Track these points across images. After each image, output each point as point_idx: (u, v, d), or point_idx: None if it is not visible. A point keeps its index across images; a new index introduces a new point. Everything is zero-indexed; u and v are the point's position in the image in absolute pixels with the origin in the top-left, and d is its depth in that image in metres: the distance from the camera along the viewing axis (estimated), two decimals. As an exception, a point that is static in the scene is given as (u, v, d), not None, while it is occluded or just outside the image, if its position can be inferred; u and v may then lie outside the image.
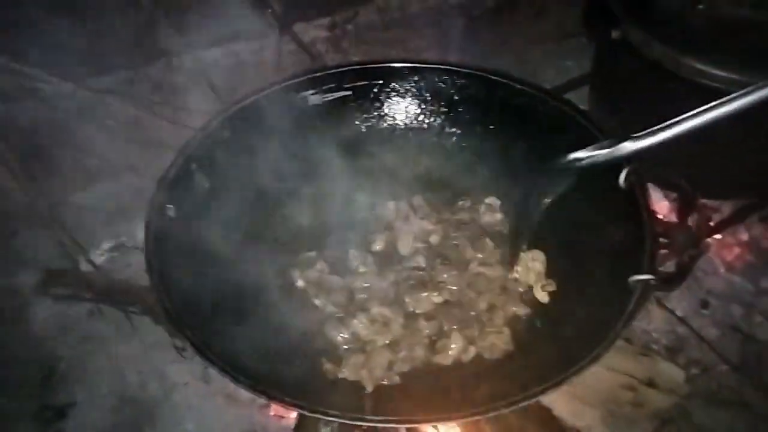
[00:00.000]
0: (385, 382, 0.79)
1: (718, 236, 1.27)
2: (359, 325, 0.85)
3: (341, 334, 0.84)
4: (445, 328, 0.85)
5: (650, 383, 1.00)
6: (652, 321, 1.17)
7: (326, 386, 0.77)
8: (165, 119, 1.27)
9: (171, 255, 0.78)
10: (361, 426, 0.82)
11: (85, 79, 1.19)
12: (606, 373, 1.01)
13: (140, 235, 1.24)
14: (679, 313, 1.18)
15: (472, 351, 0.81)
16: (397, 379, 0.80)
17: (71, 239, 1.23)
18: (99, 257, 1.24)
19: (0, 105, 1.14)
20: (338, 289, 0.88)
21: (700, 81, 0.89)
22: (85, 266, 1.23)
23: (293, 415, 0.97)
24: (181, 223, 0.83)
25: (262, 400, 1.02)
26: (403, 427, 0.78)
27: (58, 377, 1.09)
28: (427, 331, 0.85)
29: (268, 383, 0.66)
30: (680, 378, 1.02)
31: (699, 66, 0.88)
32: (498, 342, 0.80)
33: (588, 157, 0.84)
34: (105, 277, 1.20)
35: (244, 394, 1.02)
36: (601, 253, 0.85)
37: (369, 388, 0.77)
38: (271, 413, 1.01)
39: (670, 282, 0.74)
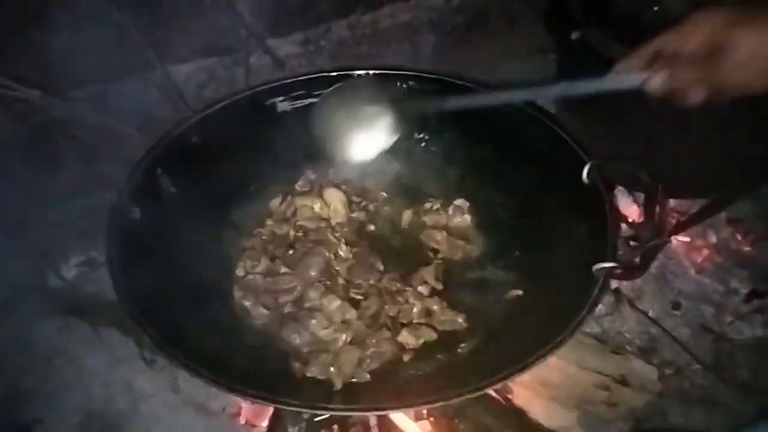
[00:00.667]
0: (354, 380, 0.79)
1: (686, 239, 1.29)
2: (316, 325, 0.85)
3: (299, 336, 0.84)
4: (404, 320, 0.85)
5: (623, 382, 1.00)
6: (624, 322, 1.17)
7: (294, 384, 0.76)
8: (137, 133, 1.27)
9: (134, 256, 0.78)
10: (327, 421, 0.82)
11: (57, 92, 1.19)
12: (579, 372, 1.01)
13: (110, 249, 1.26)
14: (651, 314, 1.19)
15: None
16: (367, 376, 0.79)
17: (40, 255, 1.21)
18: (68, 272, 1.23)
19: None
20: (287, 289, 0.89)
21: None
22: (53, 282, 1.21)
23: (264, 423, 0.96)
24: (145, 225, 0.83)
25: (231, 410, 1.01)
26: (369, 415, 0.77)
27: (24, 394, 1.06)
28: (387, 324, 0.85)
29: (232, 379, 0.64)
30: (653, 375, 1.02)
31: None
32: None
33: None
34: (73, 292, 1.18)
35: (214, 403, 1.02)
36: (565, 248, 0.86)
37: (338, 385, 0.76)
38: (242, 422, 0.99)
39: (633, 269, 0.75)
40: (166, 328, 0.69)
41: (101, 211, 1.28)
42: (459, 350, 0.82)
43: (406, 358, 0.82)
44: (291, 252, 0.95)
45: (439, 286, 0.92)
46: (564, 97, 0.83)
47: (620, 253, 0.79)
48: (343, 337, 0.84)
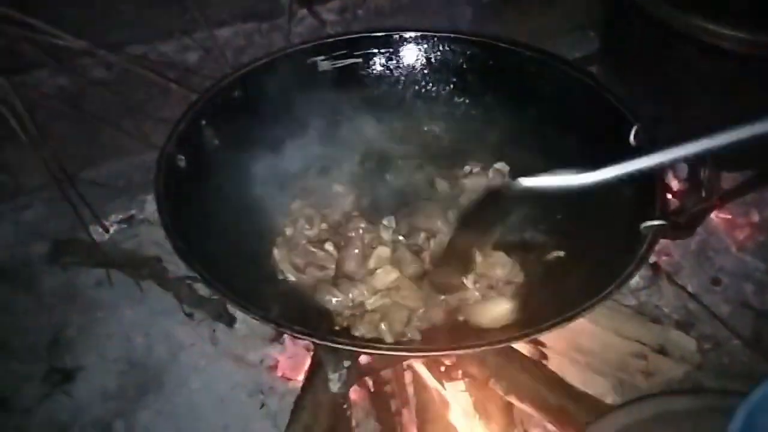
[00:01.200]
0: (404, 339, 0.78)
1: (728, 216, 1.27)
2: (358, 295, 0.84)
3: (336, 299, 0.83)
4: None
5: (661, 351, 0.99)
6: (662, 296, 1.16)
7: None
8: (180, 91, 1.28)
9: (181, 201, 0.79)
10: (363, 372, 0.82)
11: (102, 46, 1.20)
12: (617, 340, 1.00)
13: (149, 207, 1.28)
14: (690, 289, 1.17)
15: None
16: (417, 335, 0.79)
17: (82, 212, 1.24)
18: (110, 228, 1.25)
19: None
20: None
21: (707, 40, 0.89)
22: (95, 237, 1.23)
23: (300, 377, 0.97)
24: (190, 173, 0.84)
25: (268, 362, 1.02)
26: (417, 356, 0.77)
27: (66, 342, 1.10)
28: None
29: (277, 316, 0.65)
30: (692, 346, 1.01)
31: (706, 25, 0.88)
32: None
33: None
34: (114, 246, 1.21)
35: (251, 355, 1.04)
36: (610, 210, 0.85)
37: (389, 340, 0.76)
38: (279, 374, 1.00)
39: (680, 229, 0.73)
40: (209, 268, 0.70)
41: (142, 171, 1.34)
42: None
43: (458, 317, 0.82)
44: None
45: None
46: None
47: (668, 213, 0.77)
48: (390, 300, 0.83)
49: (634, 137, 0.85)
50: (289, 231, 0.92)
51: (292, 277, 0.88)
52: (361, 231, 0.90)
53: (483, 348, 0.64)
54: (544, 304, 0.76)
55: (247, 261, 0.85)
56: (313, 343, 0.65)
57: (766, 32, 0.85)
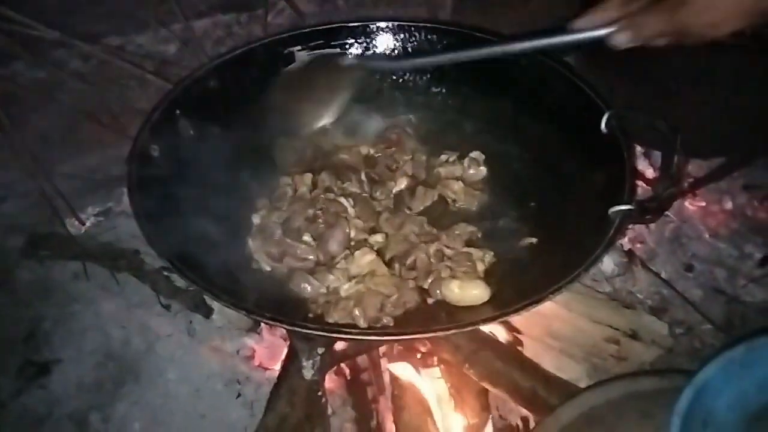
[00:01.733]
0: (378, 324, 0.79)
1: (701, 203, 1.29)
2: (334, 281, 0.84)
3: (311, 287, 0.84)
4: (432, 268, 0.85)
5: (633, 335, 1.01)
6: (636, 283, 1.18)
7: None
8: (156, 82, 1.28)
9: (154, 191, 0.79)
10: (339, 358, 0.83)
11: (76, 44, 1.20)
12: (590, 325, 1.02)
13: (126, 200, 1.27)
14: (663, 275, 1.19)
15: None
16: (390, 320, 0.80)
17: (58, 205, 1.23)
18: (86, 221, 1.24)
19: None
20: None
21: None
22: (71, 230, 1.23)
23: (277, 366, 0.97)
24: (164, 162, 0.84)
25: (245, 352, 1.02)
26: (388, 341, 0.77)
27: (42, 336, 1.09)
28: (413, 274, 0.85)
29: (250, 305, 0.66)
30: (663, 330, 1.02)
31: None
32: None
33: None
34: (91, 239, 1.20)
35: (228, 345, 1.04)
36: (581, 196, 0.86)
37: (363, 325, 0.77)
38: (255, 364, 1.01)
39: (648, 213, 0.75)
40: (182, 258, 0.70)
41: (119, 164, 1.32)
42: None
43: (430, 301, 0.82)
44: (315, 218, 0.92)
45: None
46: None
47: (637, 198, 0.79)
48: (364, 286, 0.83)
49: (605, 124, 0.86)
50: (258, 220, 0.92)
51: (267, 267, 0.88)
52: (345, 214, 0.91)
53: (453, 331, 0.64)
54: (516, 288, 0.77)
55: (221, 250, 0.84)
56: (285, 329, 0.65)
57: None
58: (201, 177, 0.89)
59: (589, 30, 0.74)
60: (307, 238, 0.90)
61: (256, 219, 0.94)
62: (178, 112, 0.90)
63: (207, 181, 0.89)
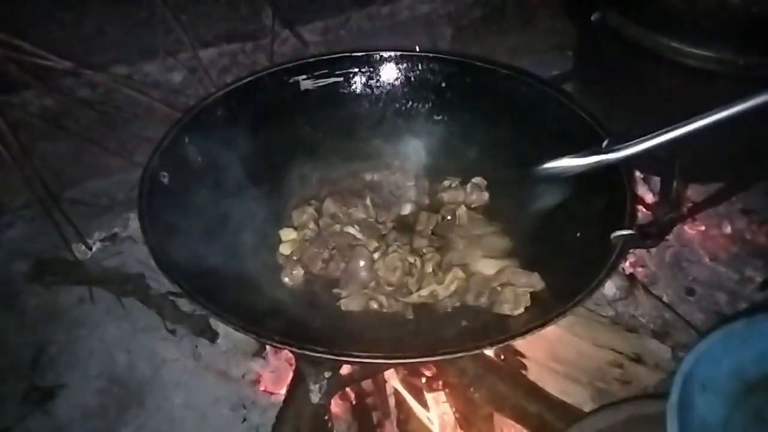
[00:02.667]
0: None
1: (701, 228, 1.30)
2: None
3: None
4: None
5: (637, 359, 1.01)
6: (639, 307, 1.18)
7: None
8: (163, 115, 1.30)
9: (163, 216, 0.80)
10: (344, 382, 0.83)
11: (88, 67, 1.22)
12: (593, 349, 1.02)
13: (133, 225, 1.29)
14: (665, 299, 1.20)
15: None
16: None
17: (65, 230, 1.24)
18: (93, 246, 1.26)
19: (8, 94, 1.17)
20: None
21: (676, 59, 0.93)
22: (78, 255, 1.24)
23: (282, 390, 0.97)
24: (173, 189, 0.85)
25: (251, 377, 1.03)
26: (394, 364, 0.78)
27: (47, 361, 1.09)
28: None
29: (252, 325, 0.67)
30: (667, 354, 1.02)
31: (673, 44, 0.92)
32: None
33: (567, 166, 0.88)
34: (97, 264, 1.21)
35: (234, 370, 1.04)
36: (583, 222, 0.88)
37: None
38: (261, 388, 1.01)
39: (649, 238, 0.76)
40: (189, 281, 0.71)
41: (126, 189, 1.35)
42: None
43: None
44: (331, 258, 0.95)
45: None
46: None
47: (638, 223, 0.80)
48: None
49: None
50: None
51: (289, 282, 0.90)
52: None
53: (459, 354, 0.65)
54: (522, 314, 0.78)
55: (228, 276, 0.86)
56: (293, 353, 0.66)
57: (729, 50, 0.89)
58: (210, 203, 0.91)
59: None
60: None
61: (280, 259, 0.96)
62: (187, 139, 0.92)
63: (216, 207, 0.90)
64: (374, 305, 0.86)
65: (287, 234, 0.97)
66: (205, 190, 0.91)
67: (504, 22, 1.75)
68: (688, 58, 0.94)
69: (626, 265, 1.23)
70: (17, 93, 1.20)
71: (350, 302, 0.87)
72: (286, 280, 0.92)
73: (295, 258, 0.93)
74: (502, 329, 0.70)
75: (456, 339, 0.78)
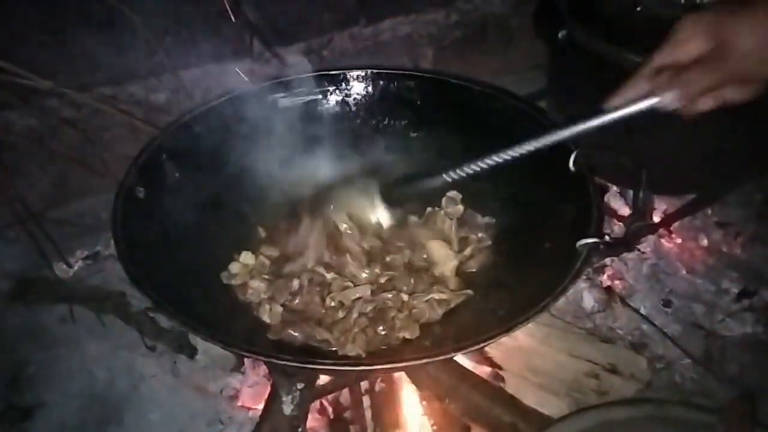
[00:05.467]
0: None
1: (678, 240, 1.32)
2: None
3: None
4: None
5: (613, 370, 1.02)
6: (616, 319, 1.20)
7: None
8: (146, 135, 1.32)
9: (137, 231, 0.81)
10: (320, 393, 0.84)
11: (68, 93, 1.24)
12: (570, 360, 1.03)
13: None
14: (642, 311, 1.21)
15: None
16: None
17: (47, 249, 1.25)
18: (74, 265, 1.26)
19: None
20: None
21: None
22: (59, 274, 1.24)
23: (260, 405, 0.98)
24: (149, 204, 0.86)
25: (229, 392, 1.03)
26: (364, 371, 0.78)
27: (26, 380, 1.09)
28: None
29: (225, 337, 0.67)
30: (643, 365, 1.04)
31: (640, 59, 0.95)
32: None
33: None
34: (78, 282, 1.22)
35: (212, 386, 1.05)
36: (552, 232, 0.89)
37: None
38: (239, 404, 1.01)
39: (615, 247, 0.78)
40: (163, 294, 0.72)
41: (109, 209, 1.35)
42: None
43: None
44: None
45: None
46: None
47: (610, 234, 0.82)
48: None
49: (573, 162, 0.90)
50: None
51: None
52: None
53: (426, 360, 0.66)
54: (488, 319, 0.79)
55: (203, 289, 0.86)
56: (263, 362, 0.66)
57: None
58: (187, 219, 0.92)
59: (629, 104, 0.75)
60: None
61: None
62: (164, 155, 0.93)
63: (192, 223, 0.91)
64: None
65: (246, 257, 0.94)
66: (180, 206, 0.92)
67: (485, 42, 1.79)
68: (653, 72, 0.96)
69: (604, 278, 1.25)
70: (0, 113, 1.22)
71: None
72: (265, 317, 0.87)
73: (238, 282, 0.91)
74: (469, 335, 0.71)
75: (424, 347, 0.79)
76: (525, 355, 1.02)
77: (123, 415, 1.01)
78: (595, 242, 0.77)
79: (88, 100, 1.20)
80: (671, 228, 1.28)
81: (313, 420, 0.96)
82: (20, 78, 1.06)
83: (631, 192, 1.31)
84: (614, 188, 1.31)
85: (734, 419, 0.69)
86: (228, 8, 1.25)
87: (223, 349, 0.67)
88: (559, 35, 1.02)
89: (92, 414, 1.03)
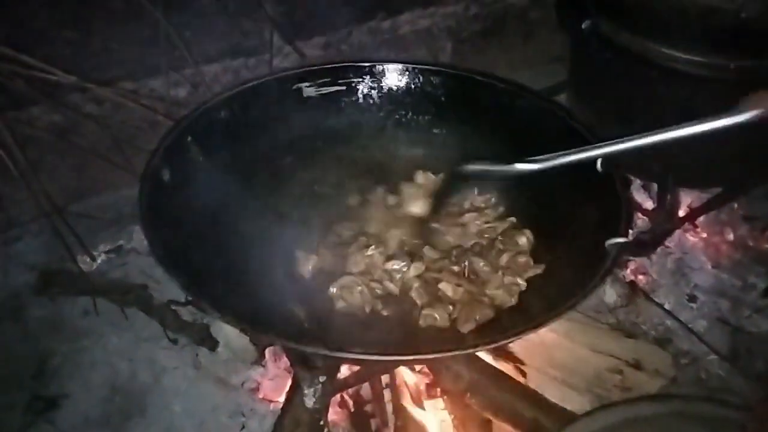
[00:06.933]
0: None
1: (703, 235, 1.30)
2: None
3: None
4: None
5: (636, 365, 1.01)
6: (640, 314, 1.18)
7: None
8: (169, 125, 1.32)
9: (164, 214, 0.82)
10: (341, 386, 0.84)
11: (91, 89, 1.25)
12: (593, 356, 1.02)
13: (137, 237, 1.31)
14: (667, 306, 1.19)
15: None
16: None
17: (71, 243, 1.26)
18: (97, 258, 1.27)
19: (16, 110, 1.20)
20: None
21: (667, 64, 0.94)
22: (82, 267, 1.26)
23: (281, 398, 0.98)
24: (175, 187, 0.87)
25: (250, 385, 1.03)
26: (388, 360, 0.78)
27: (50, 371, 1.10)
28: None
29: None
30: (667, 360, 1.02)
31: (665, 50, 0.93)
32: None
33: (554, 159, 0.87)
34: (101, 275, 1.23)
35: (234, 378, 1.05)
36: (580, 233, 0.88)
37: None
38: (260, 396, 1.01)
39: (644, 246, 0.76)
40: (188, 277, 0.72)
41: (131, 203, 1.36)
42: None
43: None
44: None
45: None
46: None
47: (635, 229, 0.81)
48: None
49: (600, 164, 0.89)
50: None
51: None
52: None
53: (453, 353, 0.65)
54: (516, 317, 0.78)
55: (225, 272, 0.86)
56: (284, 351, 0.66)
57: (717, 55, 0.90)
58: (210, 202, 0.92)
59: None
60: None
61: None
62: (189, 138, 0.93)
63: (214, 205, 0.91)
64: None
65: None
66: (205, 189, 0.92)
67: (504, 36, 1.77)
68: (679, 63, 0.95)
69: (627, 273, 1.23)
70: (25, 109, 1.23)
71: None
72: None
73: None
74: (496, 331, 0.70)
75: (448, 341, 0.78)
76: (547, 350, 1.01)
77: (145, 406, 1.02)
78: (624, 242, 0.75)
79: (110, 95, 1.21)
80: (696, 222, 1.26)
81: (334, 413, 0.96)
82: (44, 73, 1.07)
83: (655, 185, 1.30)
84: (638, 181, 1.29)
85: (766, 417, 0.68)
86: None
87: (251, 337, 0.67)
88: (583, 26, 1.00)
89: (115, 405, 1.04)
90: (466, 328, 0.80)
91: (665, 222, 0.84)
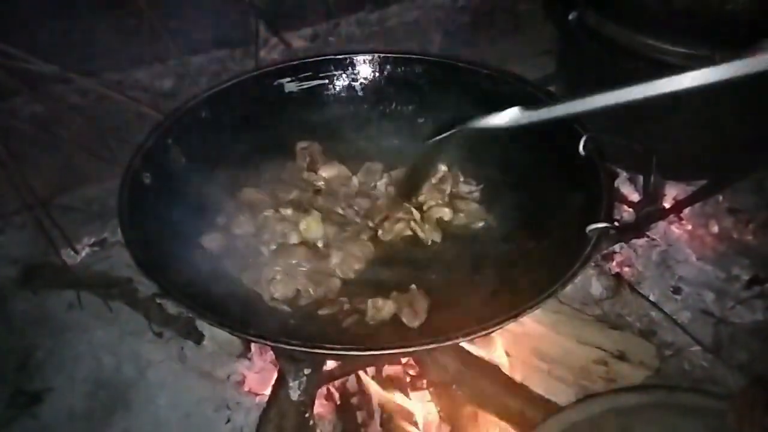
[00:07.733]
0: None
1: (688, 227, 1.30)
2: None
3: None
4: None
5: (621, 357, 1.01)
6: (625, 306, 1.18)
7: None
8: (152, 121, 1.31)
9: (144, 216, 0.81)
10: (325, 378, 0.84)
11: (74, 79, 1.24)
12: (578, 347, 1.02)
13: (122, 229, 1.29)
14: (652, 298, 1.20)
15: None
16: None
17: (54, 236, 1.25)
18: (81, 251, 1.26)
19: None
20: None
21: (653, 56, 0.94)
22: (67, 260, 1.24)
23: (267, 391, 0.97)
24: (156, 189, 0.86)
25: (235, 378, 1.03)
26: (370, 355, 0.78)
27: (34, 365, 1.09)
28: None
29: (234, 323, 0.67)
30: (651, 352, 1.03)
31: (651, 42, 0.94)
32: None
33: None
34: (85, 268, 1.22)
35: (219, 372, 1.05)
36: (562, 217, 0.88)
37: None
38: (245, 389, 1.01)
39: (625, 232, 0.77)
40: (170, 279, 0.71)
41: (116, 196, 1.35)
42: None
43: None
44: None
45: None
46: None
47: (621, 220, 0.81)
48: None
49: (583, 147, 0.89)
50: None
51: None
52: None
53: (434, 345, 0.65)
54: (496, 305, 0.78)
55: (205, 272, 0.86)
56: (270, 346, 0.66)
57: (703, 46, 0.90)
58: (193, 204, 0.92)
59: None
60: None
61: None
62: (170, 140, 0.93)
63: (198, 208, 0.91)
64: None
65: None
66: (187, 191, 0.91)
67: (492, 28, 1.77)
68: (664, 54, 0.95)
69: (613, 265, 1.24)
70: (7, 99, 1.21)
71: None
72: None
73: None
74: (477, 321, 0.70)
75: (432, 332, 0.78)
76: (532, 342, 1.01)
77: (130, 400, 1.02)
78: (605, 227, 0.76)
79: (93, 86, 1.19)
80: (682, 214, 1.26)
81: (319, 406, 0.96)
82: (27, 63, 1.05)
83: (641, 178, 1.30)
84: (624, 174, 1.29)
85: (746, 406, 0.68)
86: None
87: (231, 335, 0.67)
88: (570, 17, 1.00)
89: (99, 399, 1.03)
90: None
91: (649, 205, 0.85)
